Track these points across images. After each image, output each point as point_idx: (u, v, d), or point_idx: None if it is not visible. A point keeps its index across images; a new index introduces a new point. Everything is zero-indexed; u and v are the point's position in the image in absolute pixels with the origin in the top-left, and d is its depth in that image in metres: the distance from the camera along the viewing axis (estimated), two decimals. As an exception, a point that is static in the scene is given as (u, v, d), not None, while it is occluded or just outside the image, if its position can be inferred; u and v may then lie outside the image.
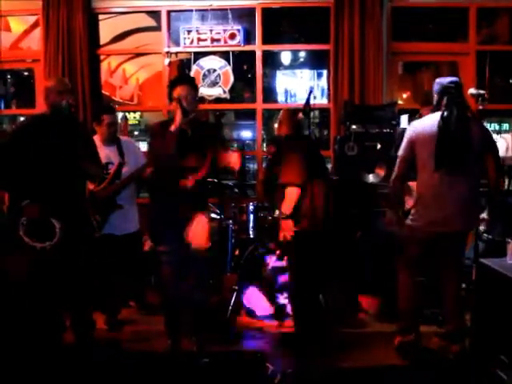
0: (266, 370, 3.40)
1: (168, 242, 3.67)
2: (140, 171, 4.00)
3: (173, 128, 3.59)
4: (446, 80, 3.50)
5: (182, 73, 6.51)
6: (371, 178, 5.12)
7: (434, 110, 3.53)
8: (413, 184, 4.36)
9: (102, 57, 6.52)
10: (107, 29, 6.45)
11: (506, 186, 4.78)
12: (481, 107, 3.25)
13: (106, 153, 4.25)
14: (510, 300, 2.85)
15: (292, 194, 3.78)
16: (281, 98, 6.63)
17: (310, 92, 4.22)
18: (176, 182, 3.61)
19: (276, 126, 4.32)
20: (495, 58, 6.40)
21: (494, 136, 4.34)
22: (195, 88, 3.75)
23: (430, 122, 3.50)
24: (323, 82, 6.38)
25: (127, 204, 4.26)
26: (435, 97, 3.52)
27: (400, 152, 3.66)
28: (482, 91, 3.25)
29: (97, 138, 4.29)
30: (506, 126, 8.18)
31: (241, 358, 3.64)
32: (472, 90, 3.36)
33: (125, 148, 4.36)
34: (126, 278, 4.39)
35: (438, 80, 3.57)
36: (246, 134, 10.52)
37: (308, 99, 4.16)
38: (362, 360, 3.64)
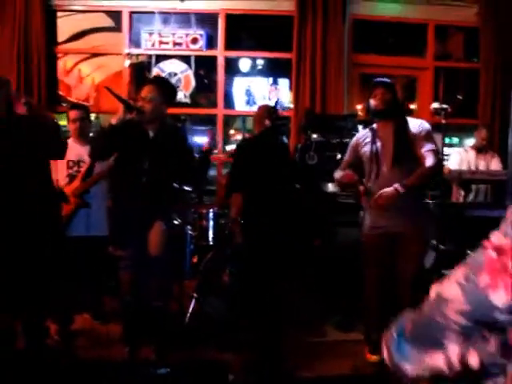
0: (227, 378, 3.34)
1: (126, 246, 3.55)
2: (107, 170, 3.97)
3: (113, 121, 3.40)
4: None
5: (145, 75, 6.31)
6: (331, 187, 5.16)
7: None
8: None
9: (58, 55, 6.35)
10: (65, 27, 6.29)
11: (462, 199, 4.89)
12: (443, 121, 3.30)
13: (77, 151, 4.19)
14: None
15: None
16: (240, 104, 6.56)
17: (276, 103, 4.25)
18: (136, 185, 3.50)
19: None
20: (451, 74, 6.58)
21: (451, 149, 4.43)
22: (164, 90, 3.53)
23: None
24: (284, 90, 6.38)
25: (95, 204, 4.11)
26: None
27: None
28: (444, 105, 3.30)
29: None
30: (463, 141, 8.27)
31: (201, 367, 3.57)
32: (435, 105, 3.42)
33: None
34: (81, 284, 4.23)
35: None
36: (202, 140, 10.41)
37: (275, 109, 4.18)
38: (324, 369, 3.60)
